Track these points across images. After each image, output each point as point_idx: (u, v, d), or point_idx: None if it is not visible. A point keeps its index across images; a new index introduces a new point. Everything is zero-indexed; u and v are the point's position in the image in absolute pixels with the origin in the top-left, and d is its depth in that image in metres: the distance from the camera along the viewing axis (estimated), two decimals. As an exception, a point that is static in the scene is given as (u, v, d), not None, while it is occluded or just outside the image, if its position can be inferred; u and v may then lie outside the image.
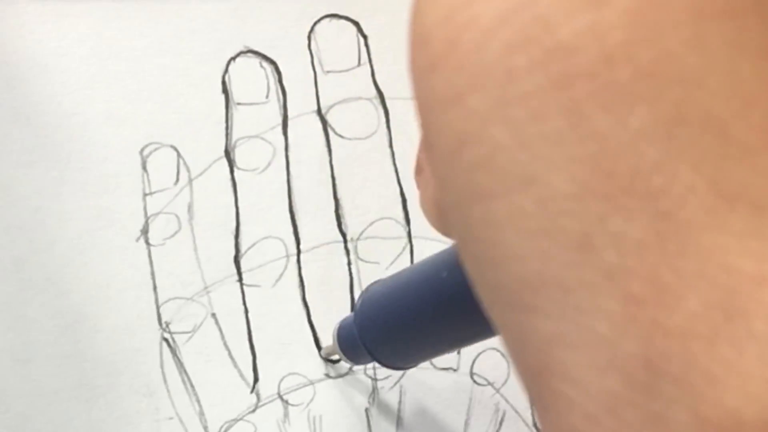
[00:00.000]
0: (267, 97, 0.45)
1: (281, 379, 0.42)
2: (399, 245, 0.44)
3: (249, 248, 0.43)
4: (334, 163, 0.45)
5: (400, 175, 0.45)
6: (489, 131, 0.17)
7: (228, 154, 0.44)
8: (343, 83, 0.46)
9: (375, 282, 0.36)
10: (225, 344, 0.42)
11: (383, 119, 0.45)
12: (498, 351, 0.43)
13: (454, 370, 0.43)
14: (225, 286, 0.42)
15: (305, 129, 0.45)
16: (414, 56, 0.19)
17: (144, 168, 0.43)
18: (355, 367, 0.42)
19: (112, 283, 0.42)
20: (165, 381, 0.41)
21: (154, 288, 0.42)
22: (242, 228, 0.43)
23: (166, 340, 0.41)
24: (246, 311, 0.42)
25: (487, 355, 0.43)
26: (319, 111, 0.45)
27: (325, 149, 0.45)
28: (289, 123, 0.45)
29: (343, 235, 0.44)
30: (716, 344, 0.15)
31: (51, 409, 0.40)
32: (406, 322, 0.33)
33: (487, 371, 0.43)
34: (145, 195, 0.43)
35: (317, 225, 0.44)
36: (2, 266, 0.41)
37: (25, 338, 0.40)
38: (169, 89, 0.44)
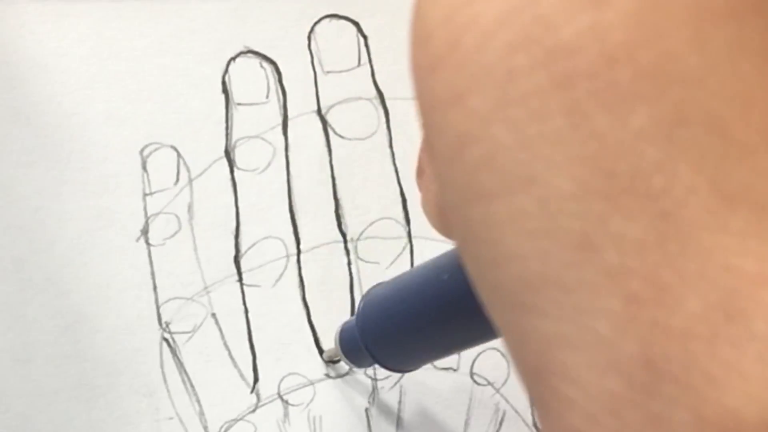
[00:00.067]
0: (267, 97, 0.45)
1: (281, 379, 0.42)
2: (399, 245, 0.44)
3: (249, 248, 0.43)
4: (334, 163, 0.45)
5: (400, 175, 0.45)
6: (490, 131, 0.17)
7: (228, 154, 0.44)
8: (343, 83, 0.46)
9: (376, 285, 0.36)
10: (225, 344, 0.42)
11: (383, 119, 0.45)
12: (498, 351, 0.43)
13: (454, 370, 0.43)
14: (225, 286, 0.42)
15: (305, 129, 0.45)
16: (415, 56, 0.19)
17: (144, 168, 0.43)
18: (356, 369, 0.42)
19: (112, 283, 0.42)
20: (165, 381, 0.41)
21: (154, 288, 0.42)
22: (242, 228, 0.43)
23: (166, 340, 0.41)
24: (246, 311, 0.42)
25: (487, 355, 0.43)
26: (319, 111, 0.45)
27: (325, 149, 0.45)
28: (289, 123, 0.45)
29: (343, 235, 0.44)
30: (717, 345, 0.15)
31: (51, 409, 0.40)
32: (408, 325, 0.33)
33: (487, 371, 0.43)
34: (145, 195, 0.43)
35: (317, 225, 0.44)
36: (2, 266, 0.41)
37: (25, 338, 0.40)
38: (169, 89, 0.44)
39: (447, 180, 0.19)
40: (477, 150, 0.17)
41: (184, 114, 0.44)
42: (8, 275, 0.41)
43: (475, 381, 0.43)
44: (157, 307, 0.42)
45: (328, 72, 0.46)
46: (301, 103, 0.45)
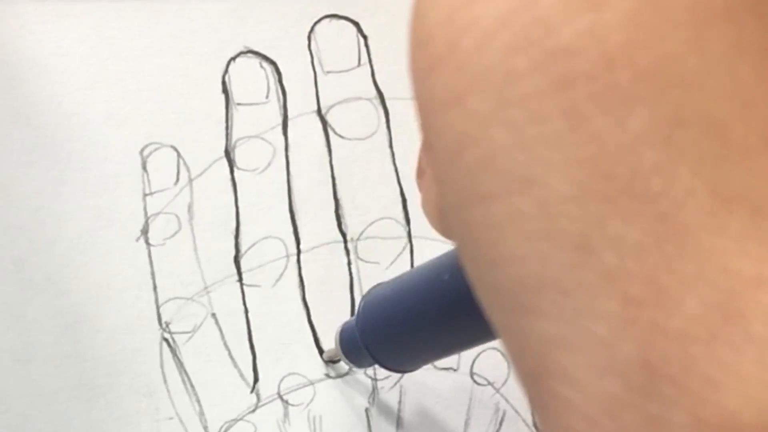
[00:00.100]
0: (267, 97, 0.45)
1: (281, 379, 0.42)
2: (399, 245, 0.44)
3: (249, 248, 0.43)
4: (334, 163, 0.45)
5: (400, 175, 0.45)
6: (488, 132, 0.17)
7: (228, 154, 0.44)
8: (343, 83, 0.46)
9: (376, 285, 0.36)
10: (225, 344, 0.42)
11: (383, 119, 0.45)
12: (498, 351, 0.43)
13: (454, 370, 0.43)
14: (225, 286, 0.42)
15: (305, 129, 0.45)
16: (414, 57, 0.19)
17: (144, 168, 0.43)
18: (356, 369, 0.42)
19: (112, 283, 0.42)
20: (165, 381, 0.41)
21: (154, 288, 0.42)
22: (242, 228, 0.43)
23: (166, 340, 0.41)
24: (246, 311, 0.42)
25: (487, 355, 0.43)
26: (319, 111, 0.45)
27: (325, 149, 0.45)
28: (289, 123, 0.45)
29: (343, 235, 0.44)
30: (715, 347, 0.15)
31: (51, 409, 0.40)
32: (408, 325, 0.33)
33: (487, 371, 0.43)
34: (145, 195, 0.43)
35: (317, 225, 0.44)
36: (2, 266, 0.41)
37: (25, 338, 0.40)
38: (169, 89, 0.44)
39: (446, 181, 0.19)
40: (476, 151, 0.17)
41: (184, 114, 0.44)
42: (8, 275, 0.41)
43: (475, 381, 0.43)
44: (157, 307, 0.42)
45: (328, 72, 0.46)
46: (301, 103, 0.45)
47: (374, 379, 0.42)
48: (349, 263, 0.44)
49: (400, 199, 0.44)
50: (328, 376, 0.42)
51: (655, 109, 0.16)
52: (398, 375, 0.42)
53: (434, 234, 0.43)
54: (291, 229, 0.44)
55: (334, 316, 0.42)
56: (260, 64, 0.45)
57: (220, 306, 0.42)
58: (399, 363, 0.35)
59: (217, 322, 0.42)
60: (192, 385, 0.41)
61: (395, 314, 0.33)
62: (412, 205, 0.44)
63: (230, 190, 0.44)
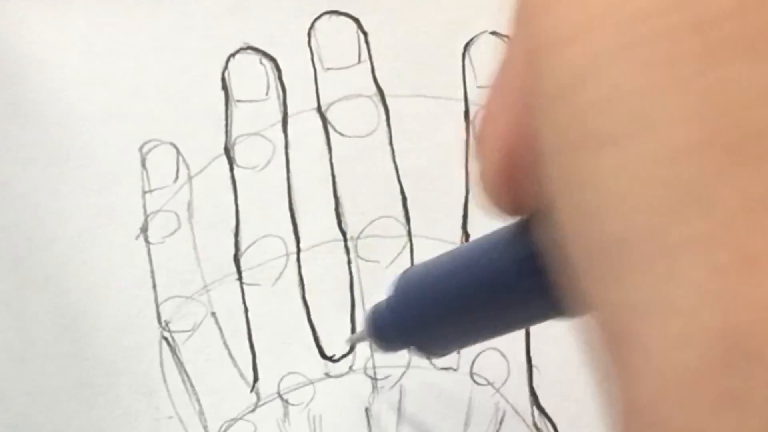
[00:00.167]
0: (267, 94, 0.45)
1: (281, 379, 0.42)
2: (399, 244, 0.44)
3: (249, 246, 0.43)
4: (334, 160, 0.44)
5: (401, 173, 0.45)
6: (610, 72, 0.16)
7: (227, 151, 0.44)
8: (343, 80, 0.45)
9: (411, 267, 0.35)
10: (225, 343, 0.42)
11: (383, 117, 0.45)
12: (498, 351, 0.43)
13: (454, 370, 0.43)
14: (225, 284, 0.42)
15: (305, 126, 0.45)
16: None
17: (143, 165, 0.43)
18: (356, 367, 0.42)
19: (112, 281, 0.41)
20: (164, 380, 0.41)
21: (154, 286, 0.42)
22: (242, 226, 0.43)
23: (165, 338, 0.41)
24: (246, 310, 0.42)
25: (487, 355, 0.43)
26: (319, 108, 0.45)
27: (325, 147, 0.45)
28: (289, 120, 0.45)
29: (343, 233, 0.44)
30: None
31: (50, 409, 0.40)
32: (450, 307, 0.31)
33: (487, 371, 0.43)
34: (144, 193, 0.43)
35: (317, 223, 0.44)
36: (1, 265, 0.41)
37: (24, 337, 0.40)
38: (169, 86, 0.44)
39: (552, 123, 0.17)
40: (593, 91, 0.16)
41: (183, 111, 0.44)
42: (7, 274, 0.41)
43: (475, 381, 0.43)
44: (157, 306, 0.42)
45: (328, 69, 0.45)
46: (300, 100, 0.45)
47: (374, 379, 0.42)
48: (349, 262, 0.43)
49: (400, 197, 0.44)
50: (328, 375, 0.42)
51: None
52: (398, 375, 0.42)
53: (434, 233, 0.43)
54: (291, 227, 0.43)
55: (334, 315, 0.42)
56: (260, 60, 0.45)
57: (219, 305, 0.42)
58: (433, 347, 0.34)
59: (216, 321, 0.42)
60: (192, 384, 0.41)
61: (436, 296, 0.32)
62: (413, 204, 0.44)
63: (230, 188, 0.43)
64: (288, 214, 0.44)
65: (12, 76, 0.43)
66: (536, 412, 0.42)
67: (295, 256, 0.43)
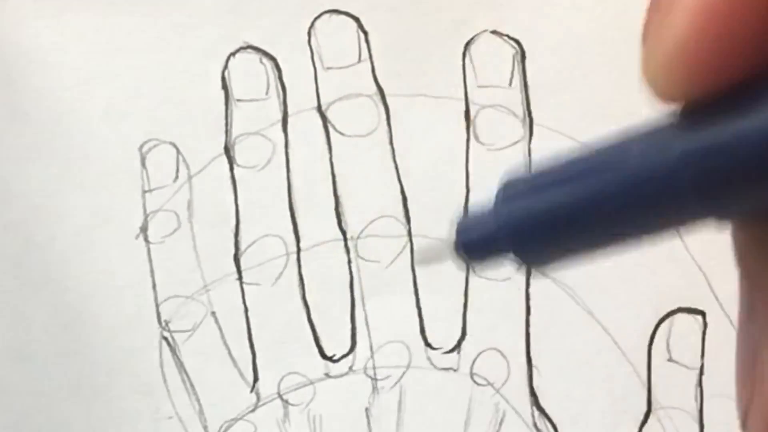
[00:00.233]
0: (267, 93, 0.45)
1: (281, 379, 0.42)
2: (399, 244, 0.44)
3: (249, 246, 0.43)
4: (334, 160, 0.44)
5: (401, 172, 0.45)
6: None
7: (227, 150, 0.44)
8: (344, 80, 0.45)
9: (515, 172, 0.32)
10: (225, 343, 0.42)
11: (384, 116, 0.45)
12: (498, 351, 0.43)
13: (454, 370, 0.43)
14: (225, 284, 0.42)
15: (305, 126, 0.45)
16: None
17: (143, 165, 0.43)
18: (356, 367, 0.42)
19: (111, 281, 0.41)
20: (164, 380, 0.41)
21: (154, 286, 0.42)
22: (242, 226, 0.43)
23: (165, 338, 0.41)
24: (246, 310, 0.42)
25: (487, 355, 0.43)
26: (319, 108, 0.45)
27: (325, 146, 0.45)
28: (289, 120, 0.44)
29: (343, 233, 0.44)
30: None
31: (50, 408, 0.40)
32: (576, 210, 0.28)
33: (487, 371, 0.43)
34: (144, 192, 0.43)
35: (317, 223, 0.44)
36: (1, 264, 0.41)
37: (24, 337, 0.40)
38: (169, 85, 0.44)
39: None
40: None
41: (183, 110, 0.44)
42: (7, 273, 0.41)
43: (475, 381, 0.43)
44: (157, 306, 0.42)
45: (329, 68, 0.45)
46: (301, 99, 0.45)
47: (374, 379, 0.42)
48: (349, 262, 0.43)
49: (400, 197, 0.44)
50: (328, 375, 0.42)
51: None
52: (398, 375, 0.42)
53: (434, 233, 0.43)
54: (291, 227, 0.43)
55: (334, 314, 0.42)
56: (260, 59, 0.45)
57: (219, 304, 0.42)
58: (543, 256, 0.31)
59: (216, 321, 0.42)
60: (191, 384, 0.41)
61: (558, 197, 0.29)
62: (413, 204, 0.44)
63: (230, 188, 0.43)
64: (288, 213, 0.44)
65: (12, 76, 0.42)
66: (536, 412, 0.42)
67: (295, 256, 0.43)
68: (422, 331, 0.43)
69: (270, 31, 0.45)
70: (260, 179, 0.44)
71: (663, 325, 0.43)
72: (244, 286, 0.42)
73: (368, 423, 0.42)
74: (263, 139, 0.44)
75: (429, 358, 0.43)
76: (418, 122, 0.44)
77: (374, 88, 0.46)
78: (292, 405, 0.42)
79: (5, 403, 0.39)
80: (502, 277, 0.43)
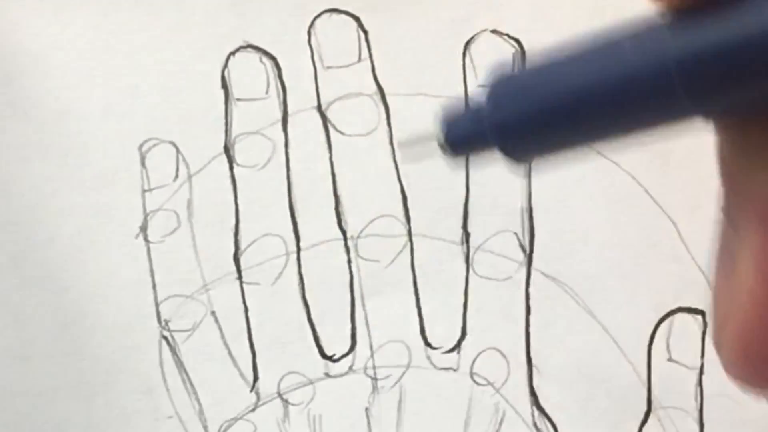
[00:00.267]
0: (267, 92, 0.45)
1: (281, 378, 0.42)
2: (399, 243, 0.44)
3: (248, 245, 0.43)
4: (334, 159, 0.44)
5: (401, 172, 0.45)
6: None
7: (227, 150, 0.44)
8: (344, 79, 0.45)
9: (506, 66, 0.30)
10: (224, 342, 0.42)
11: (383, 115, 0.45)
12: (498, 351, 0.43)
13: (454, 370, 0.43)
14: (224, 283, 0.42)
15: (305, 125, 0.45)
16: None
17: (143, 164, 0.43)
18: (356, 367, 0.42)
19: (111, 280, 0.41)
20: (164, 379, 0.41)
21: (153, 286, 0.42)
22: (242, 225, 0.43)
23: (165, 338, 0.41)
24: (246, 309, 0.42)
25: (487, 355, 0.43)
26: (319, 107, 0.45)
27: (325, 145, 0.44)
28: (289, 119, 0.44)
29: (343, 232, 0.44)
30: None
31: (49, 408, 0.40)
32: (566, 105, 0.28)
33: (487, 371, 0.43)
34: (144, 191, 0.43)
35: (317, 222, 0.44)
36: (0, 264, 0.41)
37: (24, 336, 0.40)
38: (169, 84, 0.44)
39: None
40: None
41: (183, 109, 0.44)
42: (6, 272, 0.41)
43: (475, 381, 0.43)
44: (156, 305, 0.42)
45: (329, 67, 0.45)
46: (301, 98, 0.45)
47: (374, 379, 0.42)
48: (349, 261, 0.43)
49: (400, 196, 0.44)
50: (327, 375, 0.42)
51: None
52: (398, 375, 0.42)
53: (434, 232, 0.43)
54: (291, 226, 0.43)
55: (334, 314, 0.42)
56: (260, 59, 0.45)
57: (219, 304, 0.42)
58: (530, 148, 0.30)
59: (216, 320, 0.42)
60: (191, 384, 0.41)
61: (551, 88, 0.28)
62: (413, 203, 0.44)
63: (230, 187, 0.43)
64: (288, 213, 0.44)
65: (11, 75, 0.42)
66: (536, 412, 0.42)
67: (295, 255, 0.43)
68: (422, 330, 0.43)
69: (270, 31, 0.45)
70: (260, 178, 0.44)
71: (663, 325, 0.43)
72: (244, 285, 0.42)
73: (368, 423, 0.42)
74: (263, 138, 0.44)
75: (429, 358, 0.43)
76: (418, 121, 0.44)
77: (374, 87, 0.46)
78: (292, 404, 0.41)
79: (5, 403, 0.39)
80: (503, 277, 0.43)
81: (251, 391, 0.41)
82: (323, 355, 0.42)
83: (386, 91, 0.45)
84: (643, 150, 0.43)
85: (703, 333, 0.43)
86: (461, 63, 0.45)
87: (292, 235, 0.43)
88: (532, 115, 0.29)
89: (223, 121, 0.44)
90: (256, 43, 0.45)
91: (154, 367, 0.41)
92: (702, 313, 0.43)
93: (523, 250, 0.43)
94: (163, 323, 0.41)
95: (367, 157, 0.45)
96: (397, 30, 0.45)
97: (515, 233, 0.43)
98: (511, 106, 0.29)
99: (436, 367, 0.43)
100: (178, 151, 0.43)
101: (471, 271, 0.43)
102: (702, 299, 0.43)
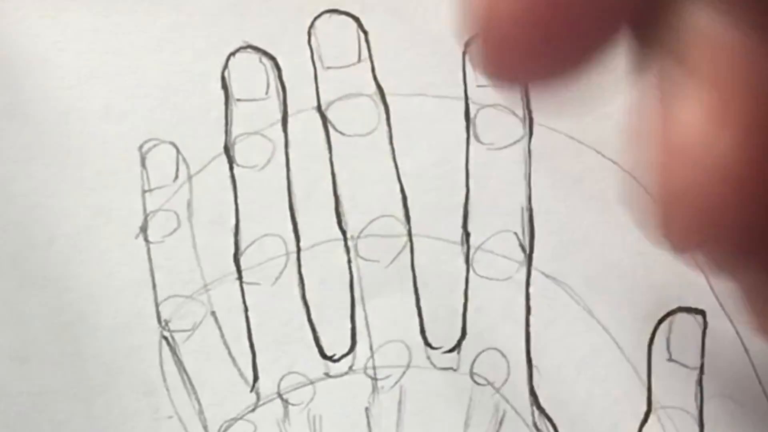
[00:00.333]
0: (267, 93, 0.45)
1: (281, 378, 0.42)
2: (399, 243, 0.44)
3: (248, 246, 0.43)
4: (334, 159, 0.44)
5: (401, 172, 0.45)
6: None
7: (227, 150, 0.44)
8: (344, 79, 0.45)
9: None
10: (224, 343, 0.42)
11: (383, 116, 0.45)
12: (498, 351, 0.43)
13: (454, 370, 0.43)
14: (224, 284, 0.42)
15: (305, 125, 0.45)
16: None
17: (143, 164, 0.43)
18: (356, 367, 0.42)
19: (111, 281, 0.41)
20: (164, 379, 0.41)
21: (153, 286, 0.42)
22: (242, 225, 0.43)
23: (165, 338, 0.41)
24: (246, 309, 0.42)
25: (487, 355, 0.43)
26: (319, 107, 0.45)
27: (325, 146, 0.45)
28: (289, 119, 0.44)
29: (343, 232, 0.44)
30: None
31: (49, 408, 0.40)
32: None
33: (487, 371, 0.43)
34: (143, 192, 0.43)
35: (317, 222, 0.44)
36: (0, 264, 0.41)
37: (23, 337, 0.40)
38: (168, 85, 0.44)
39: None
40: None
41: (183, 110, 0.44)
42: (5, 273, 0.41)
43: (475, 381, 0.43)
44: (156, 305, 0.42)
45: (329, 68, 0.45)
46: (300, 99, 0.45)
47: (374, 379, 0.42)
48: (349, 261, 0.43)
49: (400, 196, 0.44)
50: (328, 375, 0.42)
51: None
52: (398, 375, 0.42)
53: (434, 233, 0.43)
54: (291, 226, 0.43)
55: (334, 314, 0.42)
56: (260, 59, 0.45)
57: (219, 304, 0.42)
58: None
59: (216, 321, 0.42)
60: (191, 384, 0.41)
61: None
62: (413, 203, 0.44)
63: (230, 187, 0.43)
64: (288, 213, 0.44)
65: (10, 75, 0.43)
66: (536, 412, 0.42)
67: (295, 255, 0.43)
68: (422, 331, 0.43)
69: (270, 31, 0.45)
70: (260, 179, 0.44)
71: (663, 325, 0.43)
72: (244, 285, 0.42)
73: (368, 422, 0.42)
74: (263, 138, 0.44)
75: (429, 358, 0.43)
76: (418, 122, 0.44)
77: (374, 87, 0.46)
78: (292, 405, 0.41)
79: (5, 403, 0.39)
80: (503, 277, 0.43)
81: (251, 391, 0.41)
82: (323, 355, 0.42)
83: (386, 91, 0.46)
84: (642, 150, 0.42)
85: (703, 333, 0.43)
86: (461, 63, 0.45)
87: (292, 235, 0.43)
88: None
89: (223, 121, 0.44)
90: (256, 44, 0.45)
91: (154, 367, 0.41)
92: (702, 313, 0.43)
93: (523, 250, 0.43)
94: (163, 323, 0.41)
95: (367, 157, 0.45)
96: (398, 30, 0.45)
97: (515, 233, 0.43)
98: None
99: (436, 367, 0.43)
100: (178, 151, 0.43)
101: (471, 271, 0.43)
102: (702, 299, 0.43)
